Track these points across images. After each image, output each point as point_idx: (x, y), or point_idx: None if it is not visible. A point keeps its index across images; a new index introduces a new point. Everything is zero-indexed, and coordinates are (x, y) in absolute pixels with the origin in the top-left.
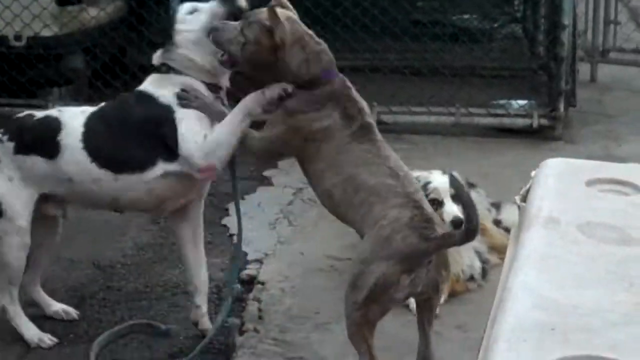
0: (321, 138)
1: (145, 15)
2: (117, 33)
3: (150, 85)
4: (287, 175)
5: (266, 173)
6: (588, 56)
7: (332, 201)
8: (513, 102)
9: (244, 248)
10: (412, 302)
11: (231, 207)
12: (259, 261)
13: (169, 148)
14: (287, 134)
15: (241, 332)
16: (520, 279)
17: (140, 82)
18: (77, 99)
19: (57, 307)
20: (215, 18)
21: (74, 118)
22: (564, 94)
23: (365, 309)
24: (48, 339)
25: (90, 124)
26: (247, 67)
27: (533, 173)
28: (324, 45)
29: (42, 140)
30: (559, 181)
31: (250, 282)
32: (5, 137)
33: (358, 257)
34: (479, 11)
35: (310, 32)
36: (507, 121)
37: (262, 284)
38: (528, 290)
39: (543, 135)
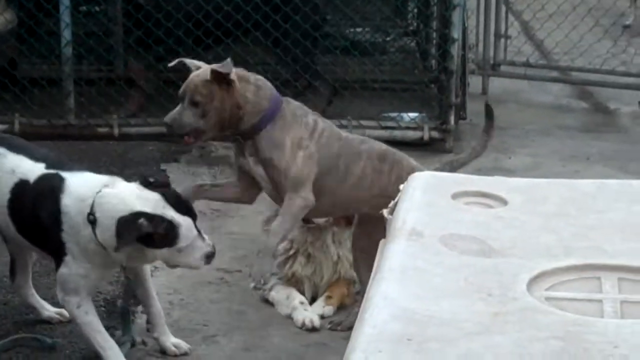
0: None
1: (36, 27)
2: (7, 45)
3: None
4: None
5: None
6: (479, 69)
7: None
8: (404, 114)
9: None
10: (299, 315)
11: None
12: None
13: None
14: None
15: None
16: (381, 290)
17: (31, 96)
18: None
19: (51, 311)
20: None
21: (3, 175)
22: (454, 107)
23: None
24: None
25: (16, 194)
26: (213, 131)
27: (401, 186)
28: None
29: None
30: (426, 194)
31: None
32: None
33: None
34: (372, 24)
35: None
36: (398, 134)
37: None
38: (387, 301)
39: (434, 148)
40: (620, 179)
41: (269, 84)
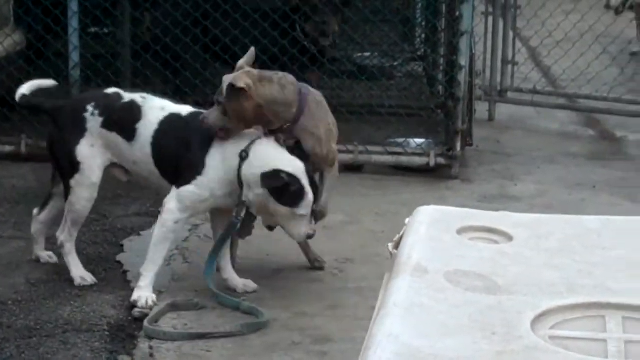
0: None
1: (44, 49)
2: (15, 67)
3: None
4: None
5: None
6: (486, 95)
7: None
8: (411, 140)
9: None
10: None
11: (126, 243)
12: None
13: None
14: None
15: None
16: (385, 327)
17: (38, 118)
18: None
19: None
20: None
21: (153, 110)
22: (461, 133)
23: None
24: (90, 279)
25: (164, 125)
26: (238, 128)
27: (407, 220)
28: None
29: (124, 123)
30: (431, 229)
31: (142, 320)
32: (96, 112)
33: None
34: (379, 49)
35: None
36: (404, 159)
37: (155, 321)
38: (392, 339)
39: (440, 174)
40: (626, 207)
41: (291, 78)
